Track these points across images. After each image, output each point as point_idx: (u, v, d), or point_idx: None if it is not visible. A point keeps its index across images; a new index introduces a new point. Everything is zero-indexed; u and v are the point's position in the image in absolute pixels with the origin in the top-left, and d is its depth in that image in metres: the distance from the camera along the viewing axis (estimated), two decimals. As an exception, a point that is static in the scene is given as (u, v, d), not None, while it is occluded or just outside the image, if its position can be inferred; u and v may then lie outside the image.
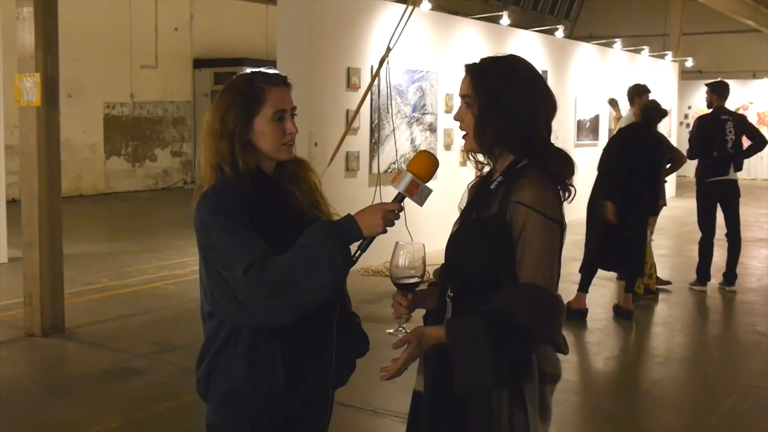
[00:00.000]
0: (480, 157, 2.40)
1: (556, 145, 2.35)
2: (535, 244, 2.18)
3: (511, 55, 2.37)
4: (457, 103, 9.39)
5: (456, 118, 2.35)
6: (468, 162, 2.47)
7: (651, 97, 8.59)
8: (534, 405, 2.21)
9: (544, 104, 2.30)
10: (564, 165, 2.30)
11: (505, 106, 2.25)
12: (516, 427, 2.21)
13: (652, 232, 7.90)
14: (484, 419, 2.22)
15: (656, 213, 7.65)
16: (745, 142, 8.45)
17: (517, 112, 2.25)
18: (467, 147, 2.36)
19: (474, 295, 2.24)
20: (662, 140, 7.82)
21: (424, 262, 2.31)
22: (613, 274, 8.45)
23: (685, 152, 8.50)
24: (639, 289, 7.85)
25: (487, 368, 2.12)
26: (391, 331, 2.38)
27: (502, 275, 2.21)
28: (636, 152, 7.17)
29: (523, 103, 2.25)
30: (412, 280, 2.32)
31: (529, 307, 2.15)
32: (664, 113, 7.46)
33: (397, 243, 2.31)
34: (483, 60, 2.34)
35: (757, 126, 9.32)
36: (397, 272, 2.31)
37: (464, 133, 2.34)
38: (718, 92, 8.45)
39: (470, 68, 2.32)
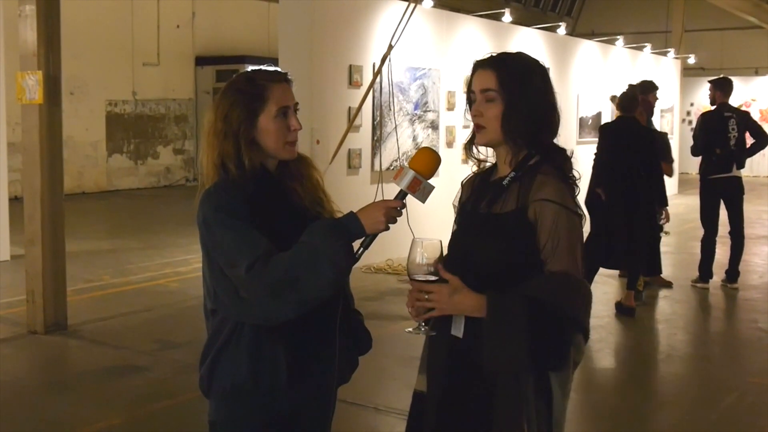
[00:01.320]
0: (481, 155, 2.42)
1: (558, 142, 2.39)
2: (567, 237, 2.22)
3: (521, 52, 2.41)
4: (459, 100, 9.39)
5: (474, 113, 2.34)
6: (470, 160, 2.47)
7: (658, 93, 8.59)
8: (565, 392, 2.23)
9: (555, 100, 2.36)
10: (569, 162, 2.35)
11: (531, 98, 2.29)
12: (539, 418, 2.21)
13: (665, 224, 7.83)
14: (513, 408, 2.20)
15: (664, 203, 7.53)
16: (748, 140, 8.43)
17: (540, 104, 2.31)
18: (483, 140, 2.35)
19: (486, 290, 2.24)
20: (659, 135, 7.74)
21: (441, 259, 2.29)
22: (615, 272, 8.44)
23: (671, 155, 8.44)
24: (639, 286, 7.84)
25: (523, 350, 2.13)
26: (410, 329, 2.36)
27: (518, 269, 2.23)
28: (620, 144, 7.16)
29: (544, 97, 2.32)
30: (429, 277, 2.27)
31: (566, 295, 2.18)
32: (636, 100, 7.40)
33: (414, 239, 2.28)
34: (502, 55, 2.37)
35: (759, 123, 9.27)
36: (414, 269, 2.27)
37: (480, 127, 2.33)
38: (721, 88, 8.41)
39: (491, 62, 2.33)
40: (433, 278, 2.25)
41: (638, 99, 7.47)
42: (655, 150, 7.33)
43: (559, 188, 2.25)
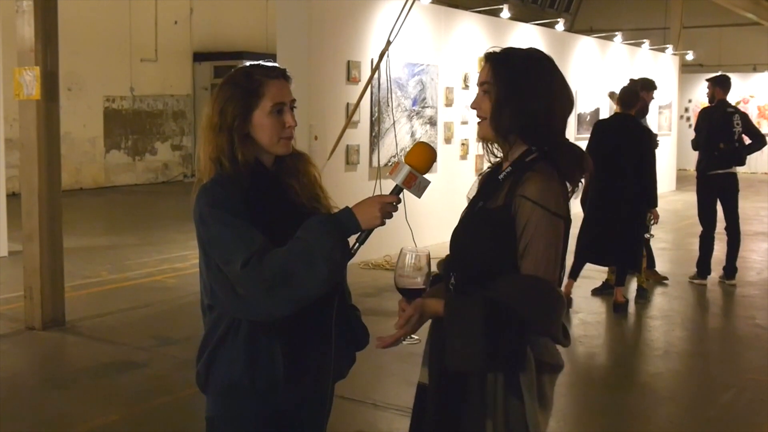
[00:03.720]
0: (495, 148, 2.41)
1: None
2: (539, 238, 2.20)
3: (533, 47, 2.39)
4: (457, 96, 9.38)
5: (473, 105, 2.36)
6: (468, 155, 2.47)
7: (655, 93, 8.56)
8: (532, 395, 2.21)
9: (560, 97, 2.32)
10: (575, 161, 2.32)
11: (523, 93, 2.27)
12: (512, 415, 2.22)
13: (653, 225, 7.73)
14: (479, 405, 2.24)
15: (654, 204, 7.38)
16: (745, 140, 8.43)
17: (534, 100, 2.27)
18: (481, 134, 2.37)
19: (474, 285, 2.26)
20: (649, 132, 7.68)
21: (429, 269, 2.31)
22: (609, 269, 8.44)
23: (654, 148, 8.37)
24: (643, 283, 7.82)
25: (478, 350, 2.15)
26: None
27: (502, 266, 2.23)
28: (611, 142, 7.11)
29: (540, 93, 2.28)
30: (416, 287, 2.31)
31: (528, 299, 2.17)
32: (637, 95, 7.31)
33: (402, 249, 2.31)
34: (505, 49, 2.36)
35: (758, 120, 9.28)
36: (402, 280, 2.31)
37: (479, 120, 2.35)
38: (720, 85, 8.39)
39: (491, 56, 2.34)
40: (419, 287, 2.30)
41: (639, 94, 7.40)
42: (649, 149, 7.27)
43: (543, 187, 2.22)
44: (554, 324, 2.22)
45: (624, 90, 7.38)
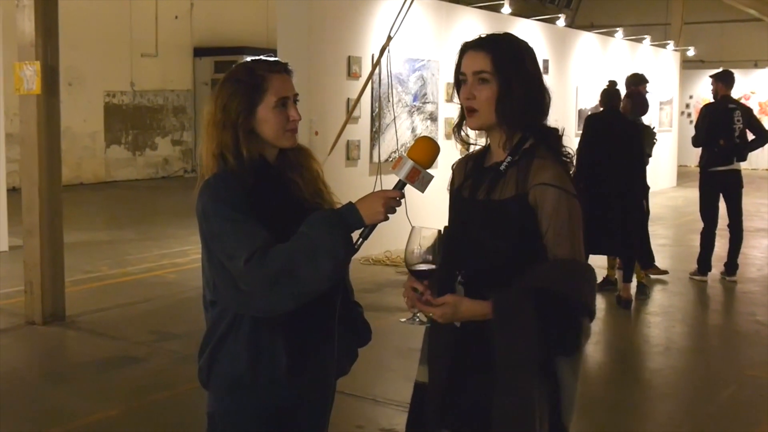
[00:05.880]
0: (471, 137, 2.39)
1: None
2: (570, 222, 2.22)
3: (507, 32, 2.38)
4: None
5: (466, 95, 2.29)
6: (457, 143, 2.44)
7: (649, 87, 8.57)
8: (577, 376, 2.23)
9: (542, 80, 2.35)
10: (560, 140, 2.34)
11: (524, 79, 2.26)
12: (545, 403, 2.19)
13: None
14: (527, 398, 2.17)
15: (645, 196, 7.52)
16: (749, 135, 8.41)
17: (534, 85, 2.28)
18: (476, 124, 2.31)
19: (488, 279, 2.23)
20: (641, 128, 7.73)
21: (440, 248, 2.24)
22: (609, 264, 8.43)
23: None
24: (643, 279, 7.83)
25: (535, 343, 2.13)
26: (404, 320, 2.34)
27: (521, 256, 2.21)
28: (600, 138, 7.19)
29: (536, 78, 2.30)
30: (428, 267, 2.24)
31: (574, 282, 2.18)
32: (616, 96, 7.43)
33: (413, 228, 2.25)
34: (493, 36, 2.33)
35: (759, 116, 9.25)
36: (413, 259, 2.23)
37: (472, 110, 2.29)
38: (724, 81, 8.39)
39: (484, 44, 2.29)
40: (430, 267, 2.23)
41: (618, 94, 7.45)
42: (639, 143, 7.34)
43: (558, 172, 2.24)
44: (594, 303, 2.24)
45: (602, 92, 7.52)
